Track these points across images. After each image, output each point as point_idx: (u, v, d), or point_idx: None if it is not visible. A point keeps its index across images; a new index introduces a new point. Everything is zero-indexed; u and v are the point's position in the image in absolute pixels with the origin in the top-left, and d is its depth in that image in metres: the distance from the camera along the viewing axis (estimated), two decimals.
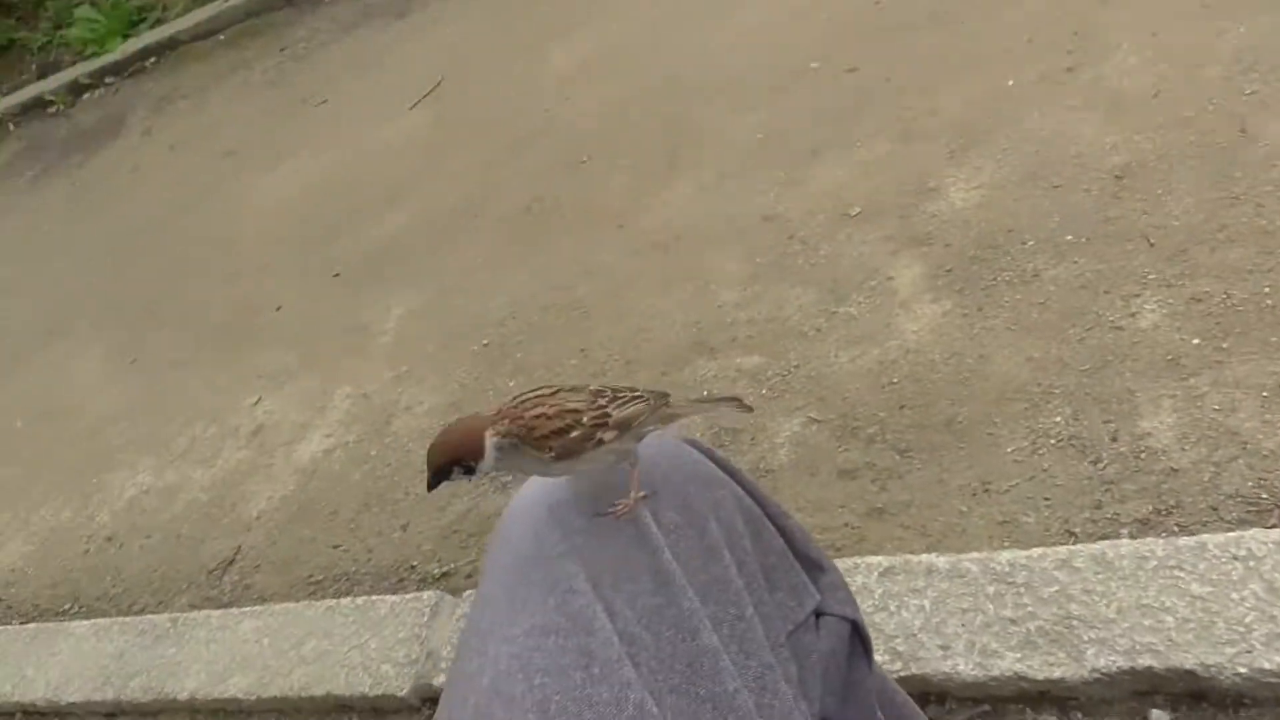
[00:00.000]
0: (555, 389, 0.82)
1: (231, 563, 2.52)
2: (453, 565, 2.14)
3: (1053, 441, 1.72)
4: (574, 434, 0.78)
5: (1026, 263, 2.04)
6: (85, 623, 2.50)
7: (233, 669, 2.09)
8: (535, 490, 0.87)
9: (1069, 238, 2.04)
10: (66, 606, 2.71)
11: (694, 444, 0.91)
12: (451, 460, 0.78)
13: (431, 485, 0.80)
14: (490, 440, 0.78)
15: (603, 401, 0.81)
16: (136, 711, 2.23)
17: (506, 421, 0.79)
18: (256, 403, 3.05)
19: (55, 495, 3.21)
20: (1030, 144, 2.31)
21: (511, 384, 2.51)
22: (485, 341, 2.71)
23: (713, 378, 2.20)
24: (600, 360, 2.42)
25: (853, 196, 2.46)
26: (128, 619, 2.43)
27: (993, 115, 2.45)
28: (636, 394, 0.84)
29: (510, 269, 2.95)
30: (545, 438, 0.78)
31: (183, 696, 2.11)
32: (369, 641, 1.98)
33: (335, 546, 2.37)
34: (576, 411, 0.79)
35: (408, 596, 2.03)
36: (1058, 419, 1.74)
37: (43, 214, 5.51)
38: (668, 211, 2.79)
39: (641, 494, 0.82)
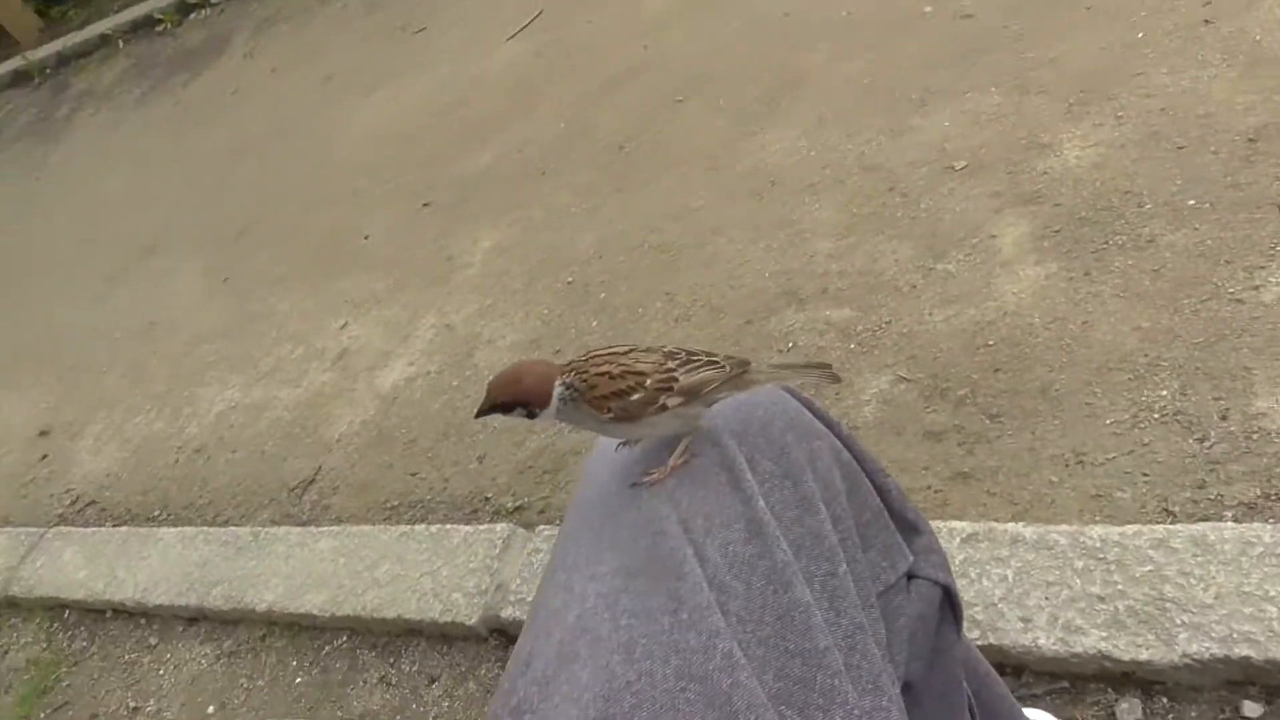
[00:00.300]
0: (630, 347, 0.80)
1: (312, 482, 2.58)
2: (526, 500, 2.15)
3: (1156, 416, 1.64)
4: (635, 397, 0.76)
5: (1142, 227, 1.93)
6: (173, 530, 2.59)
7: (309, 585, 2.15)
8: None
9: (1191, 202, 1.92)
10: (156, 513, 2.81)
11: (793, 393, 0.88)
12: (517, 400, 0.77)
13: (482, 414, 0.79)
14: (557, 390, 0.77)
15: (672, 365, 0.78)
16: (217, 619, 2.31)
17: (573, 374, 0.77)
18: (343, 327, 3.10)
19: (149, 406, 3.32)
20: (1156, 101, 2.18)
21: (594, 324, 2.50)
22: (570, 279, 2.69)
23: (800, 329, 2.15)
24: (685, 305, 2.38)
25: (959, 149, 2.36)
26: (212, 529, 2.51)
27: (1117, 69, 2.32)
28: (713, 359, 0.80)
29: (600, 207, 2.92)
30: (604, 398, 0.76)
31: (261, 608, 2.18)
32: (441, 569, 2.00)
33: (412, 474, 2.41)
34: (641, 374, 0.77)
35: (481, 527, 2.05)
36: (1164, 392, 1.66)
37: (148, 131, 5.65)
38: (764, 156, 2.72)
39: (682, 459, 0.79)
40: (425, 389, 2.65)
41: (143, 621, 2.45)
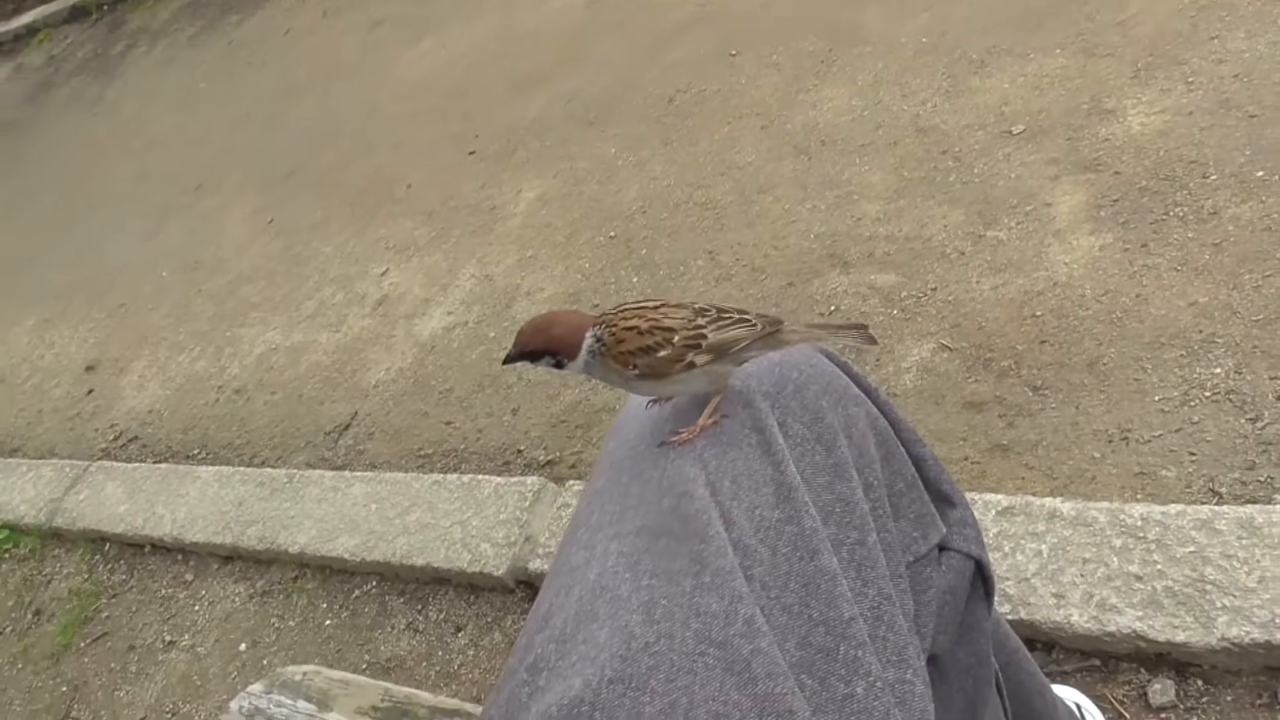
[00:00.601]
0: (660, 302, 0.76)
1: (348, 427, 2.60)
2: (558, 454, 2.15)
3: (1208, 394, 1.58)
4: (661, 353, 0.73)
5: (1205, 199, 1.86)
6: (211, 469, 2.63)
7: (341, 529, 2.17)
8: None
9: (1260, 174, 1.84)
10: (195, 451, 2.85)
11: (831, 356, 0.85)
12: (546, 349, 0.75)
13: (510, 361, 0.77)
14: (586, 341, 0.74)
15: (702, 322, 0.74)
16: (251, 558, 2.34)
17: (603, 327, 0.74)
18: (384, 273, 3.10)
19: (192, 345, 3.36)
20: (1229, 66, 2.08)
21: (634, 280, 2.47)
22: (613, 234, 2.67)
23: (843, 293, 2.11)
24: (727, 265, 2.35)
25: (1017, 113, 2.28)
26: (249, 470, 2.55)
27: (1190, 32, 2.22)
28: (745, 317, 0.76)
29: (646, 162, 2.88)
30: (630, 353, 0.73)
31: (293, 549, 2.21)
32: (471, 519, 2.01)
33: (447, 423, 2.41)
34: (669, 330, 0.73)
35: (512, 479, 2.05)
36: (1217, 370, 1.60)
37: (200, 71, 5.67)
38: (816, 114, 2.66)
39: (712, 420, 0.76)
40: (463, 339, 2.65)
41: (179, 557, 2.50)
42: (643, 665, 0.63)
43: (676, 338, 0.73)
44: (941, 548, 0.83)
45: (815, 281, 2.17)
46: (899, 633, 0.71)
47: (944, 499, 0.86)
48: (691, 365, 0.73)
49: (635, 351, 0.73)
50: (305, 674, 1.06)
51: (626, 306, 0.76)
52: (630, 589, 0.67)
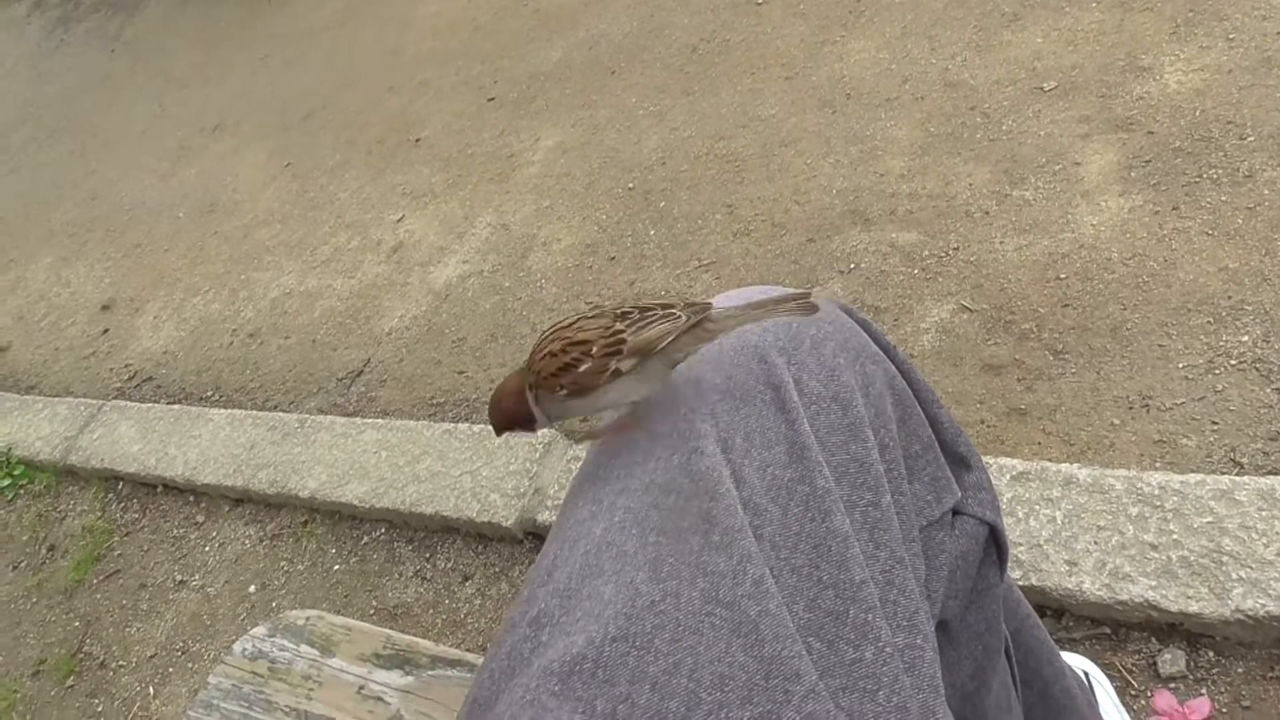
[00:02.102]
0: (576, 317, 0.73)
1: (360, 374, 2.59)
2: None
3: (1234, 362, 1.55)
4: (582, 367, 0.70)
5: (1241, 161, 1.81)
6: (223, 411, 2.63)
7: (351, 475, 2.17)
8: None
9: None
10: (208, 393, 2.86)
11: (850, 313, 0.83)
12: (507, 426, 0.75)
13: (499, 433, 0.77)
14: (529, 397, 0.73)
15: (621, 326, 0.70)
16: (262, 501, 2.35)
17: (531, 373, 0.72)
18: (400, 220, 3.08)
19: (207, 287, 3.35)
20: (1274, 23, 2.01)
21: (651, 233, 2.44)
22: (631, 185, 2.63)
23: (863, 250, 2.07)
24: (746, 219, 2.31)
25: (1049, 69, 2.22)
26: (261, 414, 2.55)
27: None
28: (670, 310, 0.71)
29: (667, 112, 2.83)
30: (553, 376, 0.71)
31: (303, 494, 2.21)
32: (481, 469, 2.00)
33: (459, 372, 2.40)
34: (585, 343, 0.70)
35: None
36: (1245, 338, 1.57)
37: (219, 10, 5.60)
38: (841, 67, 2.60)
39: (627, 424, 0.75)
40: (478, 288, 2.63)
41: (191, 498, 2.51)
42: (647, 624, 0.62)
43: (594, 348, 0.70)
44: (955, 512, 0.81)
45: (836, 238, 2.13)
46: (910, 597, 0.69)
47: (960, 462, 0.84)
48: (618, 372, 0.70)
49: (557, 373, 0.70)
50: (309, 619, 1.06)
51: (543, 337, 0.73)
52: (637, 545, 0.66)
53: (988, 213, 2.00)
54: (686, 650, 0.61)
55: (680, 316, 0.71)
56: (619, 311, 0.72)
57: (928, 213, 2.07)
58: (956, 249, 1.96)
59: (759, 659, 0.61)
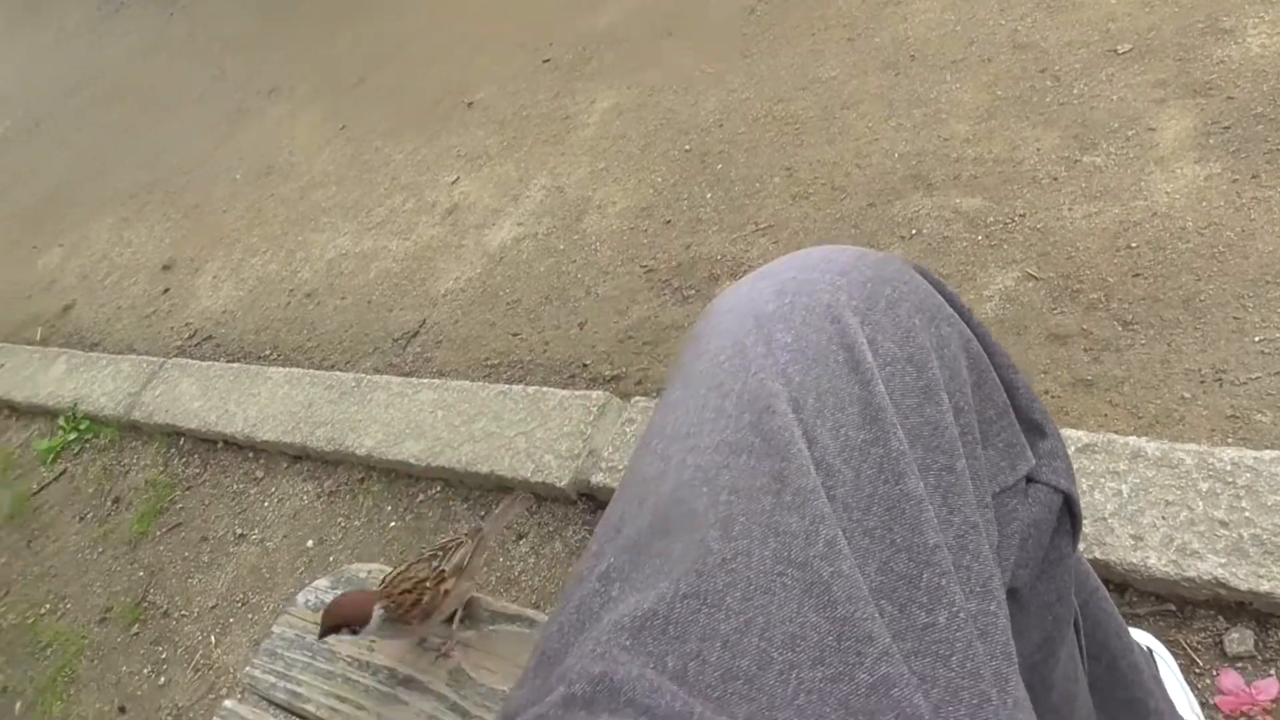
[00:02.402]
0: (408, 564, 1.01)
1: (415, 335, 2.61)
2: (624, 369, 2.13)
3: None
4: (425, 599, 0.96)
5: None
6: (281, 370, 2.67)
7: (407, 434, 2.19)
8: (740, 296, 0.79)
9: None
10: (266, 352, 2.90)
11: (924, 273, 0.81)
12: (339, 625, 0.96)
13: (321, 636, 0.98)
14: (376, 611, 0.96)
15: (435, 563, 1.00)
16: (319, 459, 2.38)
17: (385, 599, 0.97)
18: (454, 182, 3.08)
19: (264, 248, 3.39)
20: None
21: (708, 195, 2.41)
22: (687, 147, 2.60)
23: (925, 216, 2.03)
24: (805, 182, 2.28)
25: (1124, 31, 2.15)
26: (318, 373, 2.58)
27: None
28: (457, 540, 1.04)
29: (725, 73, 2.79)
30: (409, 611, 0.96)
31: (360, 451, 2.24)
32: (535, 430, 2.01)
33: (514, 334, 2.41)
34: (423, 580, 0.98)
35: (577, 393, 2.04)
36: None
37: None
38: (906, 27, 2.54)
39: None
40: (532, 250, 2.63)
41: (250, 455, 2.56)
42: (719, 582, 0.61)
43: (428, 583, 0.99)
44: (1029, 479, 0.80)
45: (897, 203, 2.09)
46: (984, 563, 0.68)
47: (1035, 429, 0.82)
48: (446, 593, 0.98)
49: (409, 609, 0.97)
50: (370, 571, 1.08)
51: (391, 579, 1.01)
52: (707, 504, 0.65)
53: (1056, 179, 1.94)
54: (758, 609, 0.60)
55: (465, 540, 1.04)
56: (428, 555, 1.02)
57: (993, 178, 2.02)
58: (1023, 215, 1.92)
59: (831, 620, 0.60)
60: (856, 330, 0.73)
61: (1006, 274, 1.84)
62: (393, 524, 2.13)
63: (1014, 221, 1.92)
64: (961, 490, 0.69)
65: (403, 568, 1.00)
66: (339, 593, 1.05)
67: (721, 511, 0.64)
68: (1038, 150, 2.01)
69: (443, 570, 0.99)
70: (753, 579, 0.61)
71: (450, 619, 1.02)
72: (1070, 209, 1.88)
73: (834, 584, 0.61)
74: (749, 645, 0.59)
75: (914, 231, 2.01)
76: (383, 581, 0.99)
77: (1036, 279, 1.80)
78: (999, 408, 0.78)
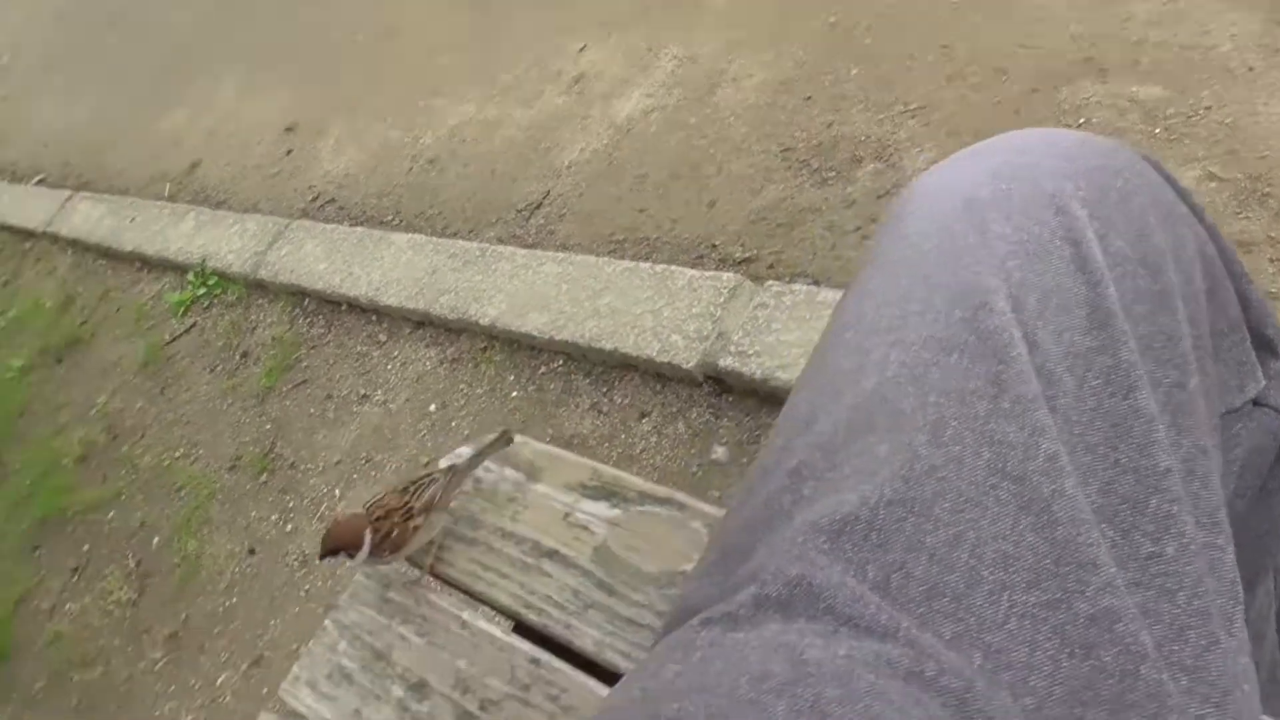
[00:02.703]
0: (384, 492, 0.99)
1: (539, 206, 2.57)
2: (756, 252, 2.06)
3: None
4: (395, 533, 0.95)
5: None
6: (405, 236, 2.67)
7: (531, 306, 2.17)
8: (948, 176, 0.71)
9: None
10: (389, 218, 2.90)
11: (1157, 167, 0.72)
12: (336, 549, 0.94)
13: (321, 558, 0.97)
14: (367, 536, 0.94)
15: (405, 497, 0.97)
16: (443, 325, 2.40)
17: (371, 528, 0.95)
18: (582, 50, 2.98)
19: (387, 112, 3.36)
20: None
21: (853, 72, 2.27)
22: (833, 19, 2.44)
23: (1096, 104, 1.87)
24: (963, 61, 2.12)
25: None
26: (441, 240, 2.57)
27: None
28: (431, 476, 0.99)
29: None
30: (381, 542, 0.95)
31: (484, 321, 2.23)
32: (663, 309, 1.97)
33: (640, 210, 2.34)
34: (395, 509, 0.96)
35: (707, 273, 1.99)
36: None
37: None
38: None
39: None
40: (661, 123, 2.53)
41: (373, 318, 2.59)
42: (927, 490, 0.56)
43: (397, 516, 0.96)
44: (1255, 402, 0.72)
45: (1065, 89, 1.93)
46: (1213, 491, 0.61)
47: (1266, 346, 0.73)
48: (417, 528, 0.96)
49: (382, 540, 0.95)
50: (515, 443, 1.06)
51: (373, 501, 0.99)
52: (915, 405, 0.59)
53: (1251, 69, 1.76)
54: (968, 523, 0.55)
55: (439, 477, 0.99)
56: (401, 488, 0.99)
57: (1177, 65, 1.84)
58: (1209, 108, 1.75)
59: (1050, 541, 0.55)
60: (1085, 224, 0.65)
61: (1186, 173, 1.69)
62: (515, 394, 2.14)
63: (1198, 115, 1.75)
64: (1192, 410, 0.63)
65: (380, 495, 0.99)
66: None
67: (931, 414, 0.58)
68: (1233, 36, 1.82)
69: (412, 507, 0.97)
70: (964, 490, 0.56)
71: (427, 550, 1.00)
72: (1266, 104, 1.70)
73: (1054, 503, 0.55)
74: (957, 560, 0.55)
75: (1082, 120, 1.86)
76: (365, 505, 0.98)
77: (1220, 179, 1.65)
78: (1231, 321, 0.70)
